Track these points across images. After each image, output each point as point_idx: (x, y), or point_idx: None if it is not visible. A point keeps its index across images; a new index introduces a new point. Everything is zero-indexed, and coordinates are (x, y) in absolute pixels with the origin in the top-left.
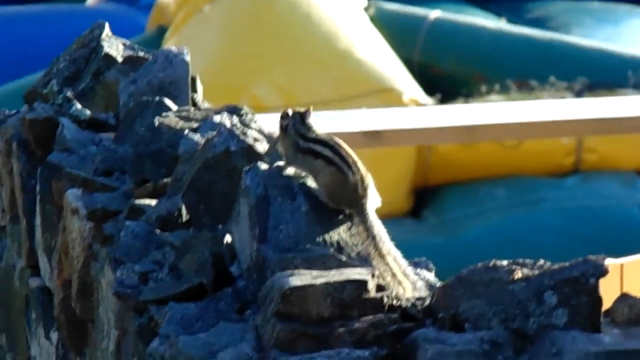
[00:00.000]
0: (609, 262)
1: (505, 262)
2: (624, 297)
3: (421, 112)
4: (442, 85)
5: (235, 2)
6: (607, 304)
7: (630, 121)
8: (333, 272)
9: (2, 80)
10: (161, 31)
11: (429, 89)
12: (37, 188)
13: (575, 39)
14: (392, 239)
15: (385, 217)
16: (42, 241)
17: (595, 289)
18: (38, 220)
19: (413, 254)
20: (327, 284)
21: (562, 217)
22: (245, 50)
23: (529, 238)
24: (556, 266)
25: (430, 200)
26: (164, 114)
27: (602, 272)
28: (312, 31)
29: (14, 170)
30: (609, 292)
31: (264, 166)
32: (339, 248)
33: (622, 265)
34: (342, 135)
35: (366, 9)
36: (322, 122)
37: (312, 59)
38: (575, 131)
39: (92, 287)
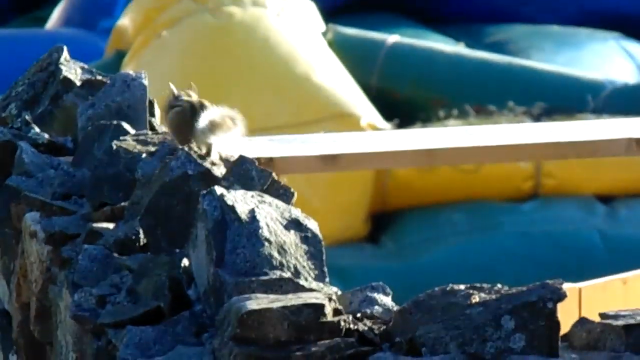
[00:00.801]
0: (567, 286)
1: (462, 286)
2: (582, 322)
3: (379, 136)
4: (400, 110)
5: (193, 27)
6: (565, 328)
7: (588, 145)
8: (290, 295)
9: None
10: (120, 55)
11: (387, 114)
12: None
13: (534, 63)
14: (350, 264)
15: (343, 242)
16: (0, 264)
17: (553, 313)
18: None
19: (371, 279)
20: (284, 307)
21: (521, 241)
22: (203, 75)
23: (488, 263)
24: (514, 290)
25: (388, 225)
26: (121, 137)
27: (560, 296)
28: (270, 56)
29: None
30: (567, 316)
31: (221, 190)
32: (296, 272)
33: (580, 290)
34: (298, 159)
35: (324, 34)
36: (279, 146)
37: (270, 84)
38: (533, 155)
39: (50, 310)
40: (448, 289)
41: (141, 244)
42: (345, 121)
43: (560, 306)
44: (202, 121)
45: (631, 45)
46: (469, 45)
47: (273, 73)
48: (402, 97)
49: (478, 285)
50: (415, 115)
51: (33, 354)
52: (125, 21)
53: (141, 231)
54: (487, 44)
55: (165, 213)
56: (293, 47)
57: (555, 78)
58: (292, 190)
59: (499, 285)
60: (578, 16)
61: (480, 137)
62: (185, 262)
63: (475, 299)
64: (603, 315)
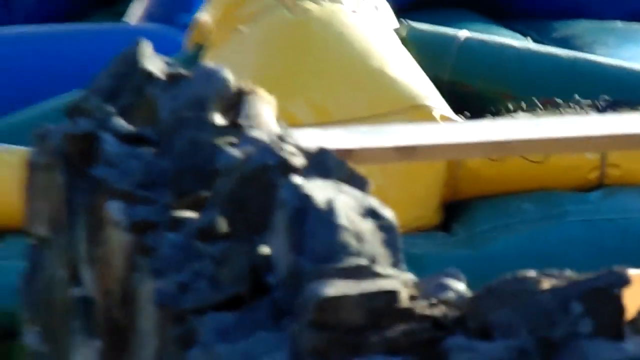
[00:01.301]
0: (633, 272)
1: (532, 273)
2: None
3: (451, 128)
4: (471, 103)
5: (271, 22)
6: (631, 313)
7: None
8: (366, 282)
9: (47, 96)
10: (199, 50)
11: (459, 107)
12: (80, 201)
13: (599, 57)
14: (423, 252)
15: (416, 231)
16: (84, 252)
17: (619, 298)
18: (80, 232)
19: (444, 266)
20: (360, 294)
21: (586, 229)
22: (281, 69)
23: (555, 250)
24: (581, 277)
25: (460, 214)
26: (202, 129)
27: (626, 282)
28: (346, 50)
29: (56, 183)
30: (632, 302)
31: (299, 180)
32: (373, 259)
33: None
34: (374, 150)
35: (397, 30)
36: (355, 138)
37: (346, 78)
38: (599, 147)
39: (132, 296)
40: (519, 276)
41: (221, 232)
42: (419, 113)
43: (625, 292)
44: None
45: None
46: (536, 40)
47: (348, 67)
48: (473, 91)
49: (547, 272)
50: (485, 108)
51: (116, 340)
52: (204, 16)
53: (222, 220)
54: (554, 39)
55: (245, 202)
56: (368, 42)
57: (619, 72)
58: (368, 180)
59: (568, 272)
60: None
61: (548, 129)
62: (264, 249)
63: (545, 285)
64: None
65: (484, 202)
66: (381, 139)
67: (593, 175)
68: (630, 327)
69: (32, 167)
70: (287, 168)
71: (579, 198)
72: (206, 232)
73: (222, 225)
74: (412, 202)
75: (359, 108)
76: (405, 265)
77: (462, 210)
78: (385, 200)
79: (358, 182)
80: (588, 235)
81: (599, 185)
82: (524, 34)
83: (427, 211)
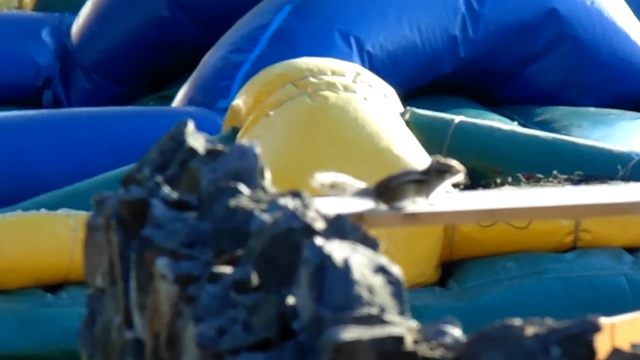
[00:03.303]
0: (603, 321)
1: (518, 322)
2: (615, 351)
3: (449, 198)
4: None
5: (295, 108)
6: (602, 357)
7: (618, 206)
8: (377, 328)
9: (104, 170)
10: (234, 131)
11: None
12: (132, 257)
13: (574, 138)
14: (424, 304)
15: (418, 286)
16: (136, 300)
17: (592, 343)
18: (133, 284)
19: (441, 316)
20: (372, 338)
21: (563, 285)
22: (303, 147)
23: (536, 302)
24: (560, 325)
25: (455, 271)
26: (238, 197)
27: (598, 328)
28: (358, 132)
29: (112, 242)
30: (602, 347)
31: (320, 241)
32: (382, 309)
33: (613, 325)
34: (383, 216)
35: (402, 114)
36: (367, 205)
37: (358, 155)
38: (573, 214)
39: (177, 339)
40: (506, 323)
41: (254, 285)
42: None
43: (597, 338)
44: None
45: None
46: (521, 123)
47: (360, 146)
48: (467, 167)
49: (530, 320)
50: (477, 181)
51: None
52: (239, 102)
53: (254, 274)
54: (536, 122)
55: (274, 259)
56: (377, 125)
57: (592, 151)
58: (378, 241)
59: (548, 321)
60: (611, 99)
61: (530, 199)
62: (290, 300)
63: (528, 331)
64: (633, 346)
65: (475, 262)
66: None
67: (568, 239)
68: None
69: (91, 228)
70: (310, 231)
71: (556, 258)
72: (240, 285)
73: (254, 279)
74: (414, 262)
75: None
76: (409, 315)
77: (457, 268)
78: (392, 259)
79: (370, 243)
80: (564, 290)
81: (573, 247)
82: (511, 118)
83: (427, 269)
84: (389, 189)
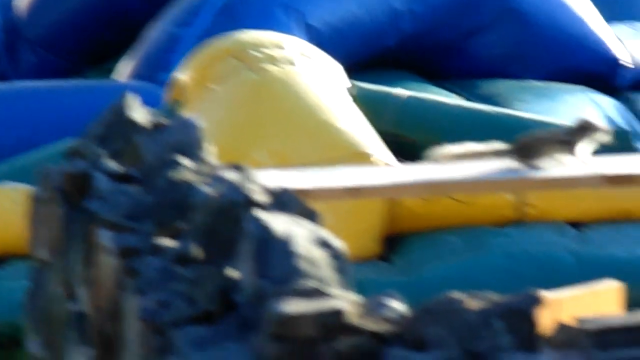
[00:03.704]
0: (546, 295)
1: (461, 295)
2: (559, 325)
3: (391, 172)
4: (410, 151)
5: (238, 82)
6: (545, 330)
7: (562, 180)
8: (319, 301)
9: (47, 142)
10: (177, 104)
11: (400, 155)
12: (76, 230)
13: (517, 112)
14: (367, 278)
15: (361, 260)
16: (79, 273)
17: (534, 317)
18: (76, 256)
19: (384, 289)
20: (313, 311)
21: (507, 259)
22: (246, 121)
23: (480, 277)
24: (502, 299)
25: (398, 246)
26: (180, 169)
27: (539, 302)
28: (300, 105)
29: (56, 215)
30: (546, 320)
31: (262, 214)
32: (324, 282)
33: (556, 299)
34: (325, 189)
35: (349, 89)
36: (309, 178)
37: (300, 129)
38: (518, 188)
39: (120, 312)
40: (449, 297)
41: (196, 258)
42: (362, 159)
43: (541, 312)
44: None
45: (597, 97)
46: (465, 97)
47: (302, 120)
48: (412, 141)
49: (473, 294)
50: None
51: (105, 348)
52: (182, 75)
53: (196, 247)
54: (480, 96)
55: (216, 232)
56: (318, 98)
57: (535, 124)
58: (320, 215)
59: (490, 295)
60: (556, 73)
61: (474, 173)
62: (233, 273)
63: (471, 305)
64: (577, 320)
65: (418, 236)
66: (331, 180)
67: (513, 213)
68: (546, 342)
69: (36, 201)
70: (252, 204)
71: (500, 232)
72: (183, 258)
73: (197, 252)
74: (357, 235)
75: (311, 154)
76: (352, 289)
77: (399, 242)
78: (335, 233)
79: (312, 217)
80: (508, 264)
81: (517, 221)
82: (455, 92)
83: (370, 243)
84: (532, 149)
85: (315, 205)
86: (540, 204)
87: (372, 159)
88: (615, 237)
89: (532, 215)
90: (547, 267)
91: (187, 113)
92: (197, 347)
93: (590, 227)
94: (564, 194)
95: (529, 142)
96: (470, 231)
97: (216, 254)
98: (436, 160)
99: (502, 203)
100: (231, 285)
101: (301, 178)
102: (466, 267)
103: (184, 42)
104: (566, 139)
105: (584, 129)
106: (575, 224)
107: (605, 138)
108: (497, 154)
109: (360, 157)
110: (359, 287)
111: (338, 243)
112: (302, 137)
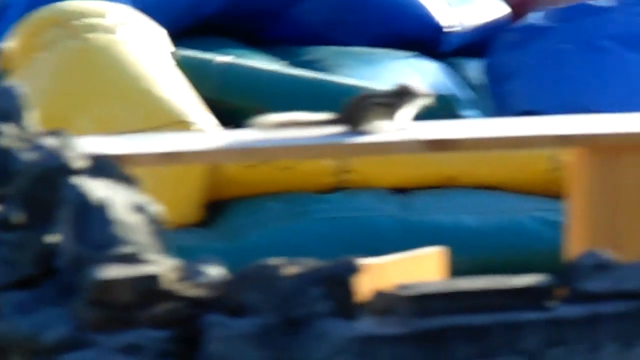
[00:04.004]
0: (365, 262)
1: (278, 261)
2: (378, 292)
3: (211, 137)
4: (233, 118)
5: (61, 51)
6: (364, 297)
7: (381, 145)
8: (136, 267)
9: None
10: (5, 73)
11: (223, 122)
12: None
13: (339, 78)
14: (187, 245)
15: (182, 227)
16: None
17: (352, 283)
18: None
19: (206, 256)
20: (130, 277)
21: (328, 226)
22: (69, 88)
23: (301, 243)
24: (320, 265)
25: (219, 212)
26: (0, 136)
27: (357, 269)
28: (119, 73)
29: None
30: (365, 287)
31: (79, 180)
32: (141, 248)
33: (376, 265)
34: (145, 155)
35: (173, 55)
36: (129, 145)
37: (120, 97)
38: (337, 153)
39: None
40: (266, 263)
41: (17, 223)
42: (183, 126)
43: (361, 279)
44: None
45: (422, 62)
46: (286, 63)
47: (124, 88)
48: (233, 108)
49: (291, 260)
50: (243, 122)
51: None
52: (8, 44)
53: (17, 213)
54: (301, 62)
55: (36, 198)
56: (141, 67)
57: (356, 90)
58: (138, 180)
59: (308, 261)
60: (381, 39)
61: (294, 139)
62: (53, 238)
63: (289, 271)
64: (396, 287)
65: (239, 202)
66: (150, 146)
67: (334, 180)
68: (365, 308)
69: None
70: (69, 170)
71: (321, 199)
72: (4, 223)
73: (18, 217)
74: (178, 202)
75: (132, 122)
76: (170, 255)
77: (221, 209)
78: (156, 200)
79: (130, 183)
80: (330, 231)
81: (339, 188)
82: (278, 58)
83: (191, 209)
84: (354, 114)
85: (135, 172)
86: (362, 170)
87: (193, 127)
88: (439, 203)
89: (354, 182)
90: (370, 234)
91: (12, 81)
92: (19, 311)
93: (414, 194)
94: (386, 160)
95: (348, 107)
96: (292, 197)
97: (37, 220)
98: (259, 128)
99: (324, 169)
100: (51, 251)
101: (121, 144)
102: (288, 233)
103: (12, 11)
104: (386, 103)
105: (404, 93)
106: (399, 191)
107: (426, 102)
108: (320, 122)
109: (182, 126)
110: (181, 253)
111: (155, 208)
112: (124, 105)
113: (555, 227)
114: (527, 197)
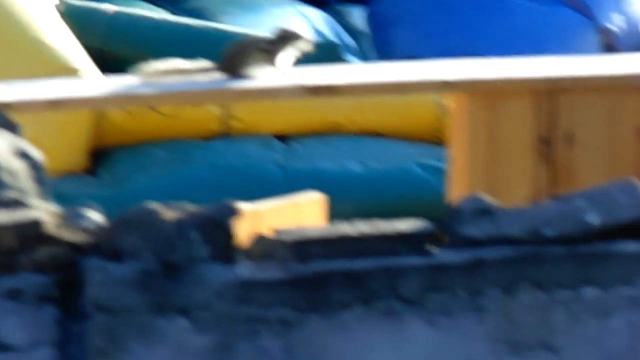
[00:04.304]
0: (247, 207)
1: (157, 206)
2: (258, 236)
3: (95, 84)
4: (118, 67)
5: None
6: (243, 242)
7: (262, 91)
8: (18, 212)
9: None
10: None
11: (107, 71)
12: None
13: (222, 25)
14: (71, 192)
15: (67, 174)
16: None
17: (231, 227)
18: None
19: (86, 202)
20: (12, 222)
21: (212, 172)
22: None
23: (185, 190)
24: (199, 209)
25: (104, 160)
26: None
27: (237, 213)
28: (7, 21)
29: None
30: (244, 232)
31: None
32: (23, 193)
33: (255, 210)
34: (28, 102)
35: (57, 6)
36: (12, 91)
37: (8, 45)
38: (218, 99)
39: None
40: (145, 208)
41: None
42: (70, 73)
43: (241, 224)
44: None
45: (305, 9)
46: (172, 11)
47: (9, 36)
48: (119, 57)
49: (170, 204)
50: (129, 71)
51: None
52: None
53: None
54: (186, 10)
55: None
56: (28, 16)
57: (238, 37)
58: (20, 126)
59: (188, 205)
60: None
61: (177, 85)
62: None
63: (168, 216)
64: (276, 232)
65: (125, 150)
66: (35, 93)
67: (218, 127)
68: (244, 253)
69: None
70: None
71: (205, 146)
72: None
73: None
74: (62, 149)
75: (18, 70)
76: (54, 202)
77: (107, 156)
78: (39, 147)
79: (13, 129)
80: (214, 177)
81: (223, 134)
82: (162, 7)
83: (76, 157)
84: (235, 60)
85: (19, 118)
86: (246, 117)
87: (78, 74)
88: (323, 150)
89: (238, 129)
90: (253, 181)
91: None
92: None
93: (298, 140)
94: (270, 107)
95: (229, 54)
96: (176, 144)
97: None
98: (142, 75)
99: (208, 116)
100: None
101: (4, 91)
102: (171, 179)
103: None
104: (266, 48)
105: (284, 38)
106: (283, 138)
107: (307, 47)
108: (203, 69)
109: (67, 73)
110: (65, 200)
111: (37, 154)
112: (9, 52)
113: (441, 174)
114: (413, 144)
